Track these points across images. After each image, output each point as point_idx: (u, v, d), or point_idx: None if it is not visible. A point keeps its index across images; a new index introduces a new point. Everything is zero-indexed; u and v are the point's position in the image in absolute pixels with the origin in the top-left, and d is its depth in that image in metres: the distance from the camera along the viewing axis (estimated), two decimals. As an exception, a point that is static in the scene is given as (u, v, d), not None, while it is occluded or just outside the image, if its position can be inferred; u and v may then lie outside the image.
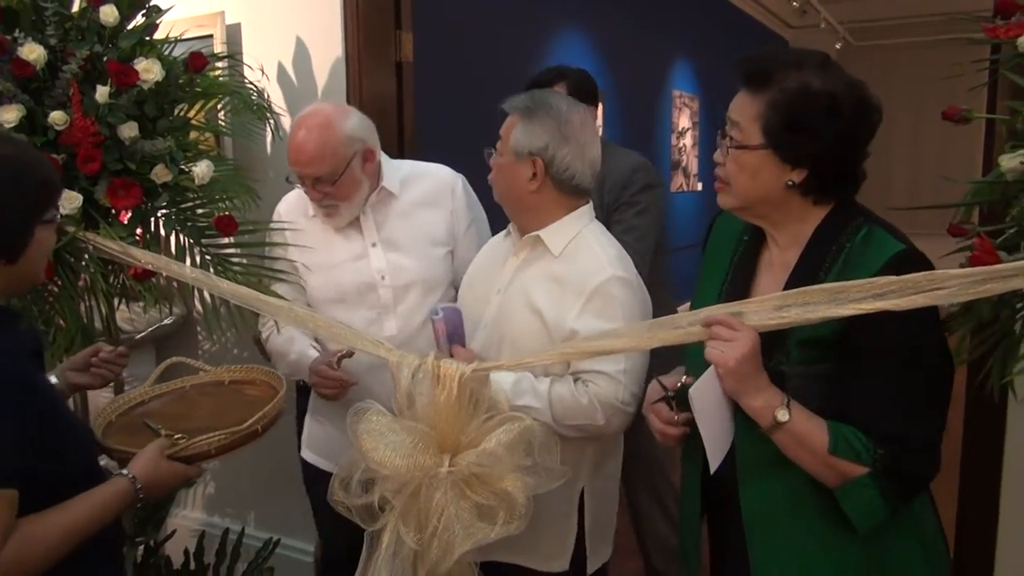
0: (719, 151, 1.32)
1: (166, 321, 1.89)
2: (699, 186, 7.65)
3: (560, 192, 1.72)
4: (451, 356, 1.64)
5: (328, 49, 2.62)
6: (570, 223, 1.73)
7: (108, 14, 1.90)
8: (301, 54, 2.67)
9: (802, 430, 1.19)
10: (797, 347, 1.22)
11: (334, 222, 1.99)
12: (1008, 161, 1.18)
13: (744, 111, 1.27)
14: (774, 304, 1.20)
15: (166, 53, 2.11)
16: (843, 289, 1.14)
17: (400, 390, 1.50)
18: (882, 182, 9.42)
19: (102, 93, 1.86)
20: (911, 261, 1.17)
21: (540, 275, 1.72)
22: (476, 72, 4.37)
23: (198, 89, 2.12)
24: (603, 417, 1.63)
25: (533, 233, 1.73)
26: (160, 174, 1.98)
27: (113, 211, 1.93)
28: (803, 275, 1.27)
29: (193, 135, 2.19)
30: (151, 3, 2.08)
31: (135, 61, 1.94)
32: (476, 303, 1.83)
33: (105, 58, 1.93)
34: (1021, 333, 1.12)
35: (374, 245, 2.01)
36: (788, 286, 1.27)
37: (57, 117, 1.82)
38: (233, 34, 2.74)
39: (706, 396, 1.23)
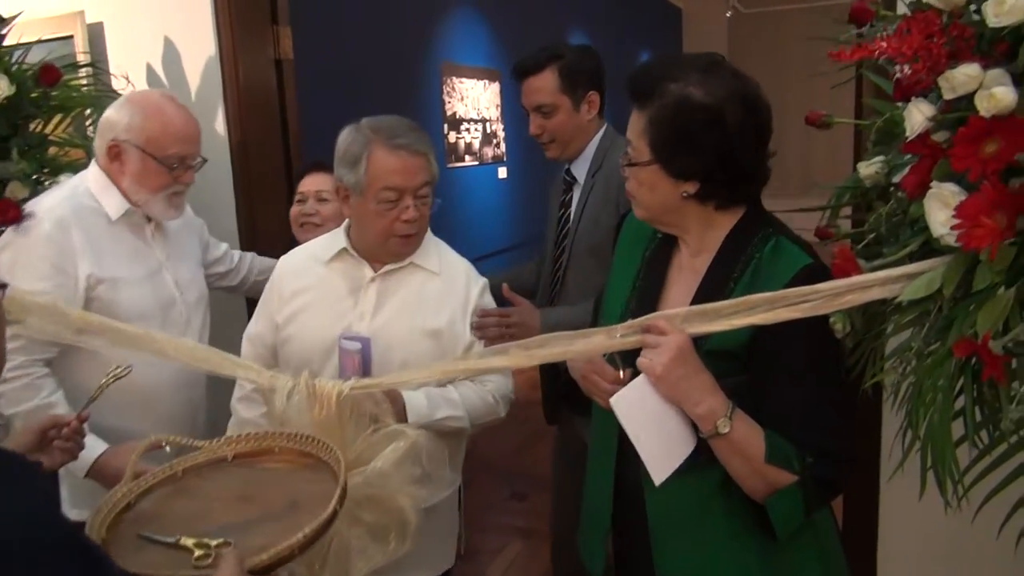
0: (626, 167, 1.32)
1: (121, 372, 1.57)
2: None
3: None
4: None
5: (200, 47, 2.50)
6: (430, 239, 1.76)
7: (-56, 28, 1.75)
8: (171, 54, 2.53)
9: (741, 440, 1.19)
10: (707, 357, 1.22)
11: (179, 212, 1.89)
12: (865, 168, 1.20)
13: (633, 127, 1.28)
14: (682, 316, 1.20)
15: (17, 62, 1.96)
16: (721, 308, 1.15)
17: (274, 415, 1.45)
18: (778, 147, 9.73)
19: (-57, 115, 1.72)
20: (815, 274, 1.18)
21: (419, 296, 1.70)
22: (363, 64, 4.25)
23: (54, 103, 1.97)
24: (503, 409, 1.75)
25: (407, 261, 1.70)
26: (15, 191, 1.85)
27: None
28: (713, 284, 1.28)
29: (55, 150, 2.04)
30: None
31: (-20, 77, 1.80)
32: (329, 336, 1.68)
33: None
34: (887, 334, 1.15)
35: (167, 258, 1.94)
36: (699, 293, 1.29)
37: None
38: (96, 34, 2.57)
39: (638, 405, 1.19)
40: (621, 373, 1.26)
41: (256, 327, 1.80)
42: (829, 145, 9.32)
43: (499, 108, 5.73)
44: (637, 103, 1.28)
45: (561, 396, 1.76)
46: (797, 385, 1.21)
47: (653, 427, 1.20)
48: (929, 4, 1.04)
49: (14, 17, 2.03)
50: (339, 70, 3.98)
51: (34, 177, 1.86)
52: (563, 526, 2.38)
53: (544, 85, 2.06)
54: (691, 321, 1.18)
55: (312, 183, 2.18)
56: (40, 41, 2.41)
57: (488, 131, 5.59)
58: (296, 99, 2.67)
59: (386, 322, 1.68)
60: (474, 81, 5.39)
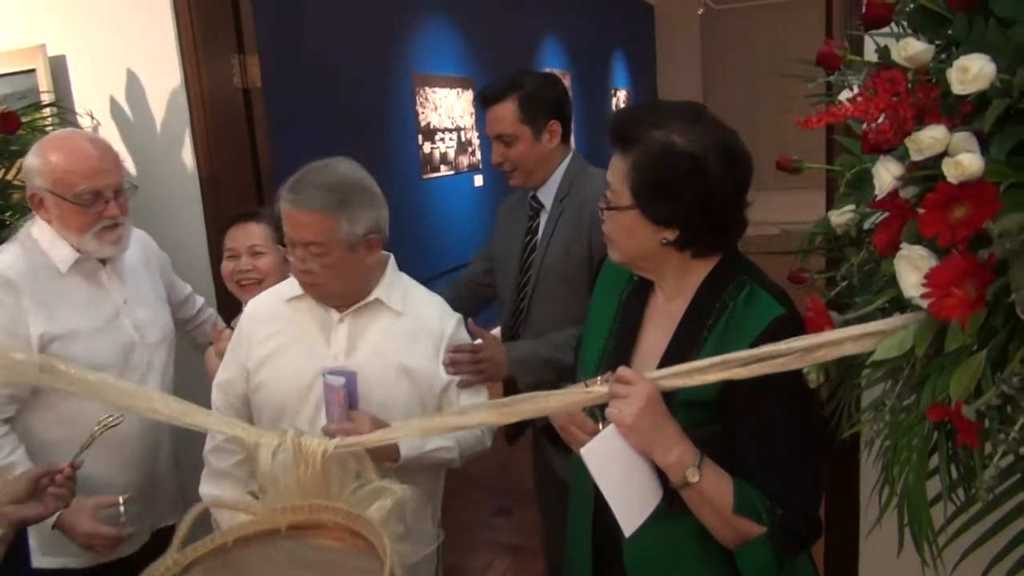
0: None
1: (112, 421, 1.57)
2: (577, 160, 7.71)
3: (379, 251, 1.70)
4: (349, 421, 1.58)
5: (164, 79, 2.46)
6: (393, 277, 1.74)
7: None
8: (135, 86, 2.49)
9: (710, 489, 1.19)
10: (681, 408, 1.22)
11: (119, 247, 1.86)
12: (837, 217, 1.20)
13: (614, 171, 1.28)
14: (658, 376, 1.20)
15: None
16: (698, 367, 1.15)
17: (261, 473, 1.43)
18: (752, 142, 9.77)
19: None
20: (789, 327, 1.18)
21: (390, 334, 1.69)
22: (332, 84, 4.20)
23: (15, 148, 1.93)
24: (489, 439, 1.77)
25: (371, 298, 1.69)
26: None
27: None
28: (687, 331, 1.29)
29: (19, 196, 2.01)
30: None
31: (-63, 128, 1.76)
32: (304, 379, 1.68)
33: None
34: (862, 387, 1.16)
35: (125, 302, 1.92)
36: (674, 340, 1.30)
37: None
38: (58, 67, 2.53)
39: (608, 456, 1.19)
40: (600, 425, 1.26)
41: (226, 374, 1.77)
42: (802, 139, 9.36)
43: (473, 116, 5.70)
44: (620, 147, 1.27)
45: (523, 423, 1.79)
46: (769, 436, 1.21)
47: (623, 477, 1.20)
48: (895, 62, 1.04)
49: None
50: (308, 93, 3.94)
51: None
52: (554, 551, 2.38)
53: (504, 115, 2.06)
54: (669, 379, 1.18)
55: (242, 237, 2.01)
56: (1, 75, 2.38)
57: (463, 139, 5.57)
58: (266, 128, 2.64)
59: (361, 362, 1.67)
60: (447, 90, 5.36)
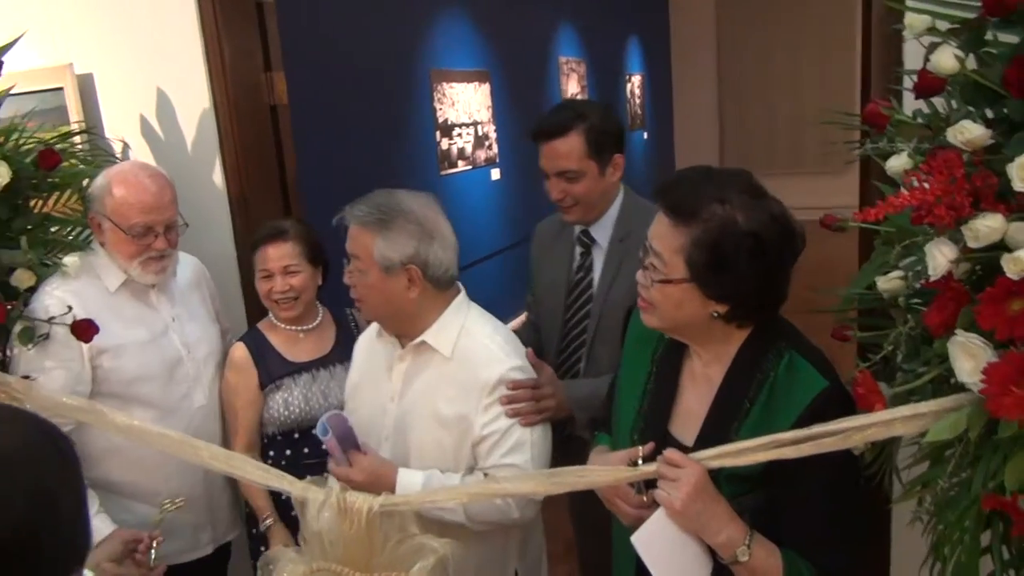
0: (642, 273, 1.30)
1: (172, 507, 1.75)
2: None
3: (437, 290, 1.69)
4: (350, 465, 1.62)
5: (194, 97, 2.46)
6: (451, 319, 1.70)
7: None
8: (164, 105, 2.49)
9: (760, 566, 1.20)
10: (726, 481, 1.24)
11: (162, 277, 1.97)
12: (885, 282, 1.20)
13: (666, 242, 1.25)
14: (704, 456, 1.21)
15: (15, 148, 1.93)
16: (747, 447, 1.16)
17: (308, 528, 1.46)
18: (767, 124, 9.70)
19: (-57, 212, 1.69)
20: (835, 401, 1.19)
21: (437, 380, 1.69)
22: (352, 89, 4.18)
23: (52, 180, 1.94)
24: (517, 511, 1.64)
25: (418, 340, 1.69)
26: (23, 279, 1.84)
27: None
28: (728, 400, 1.29)
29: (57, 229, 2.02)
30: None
31: (-22, 166, 1.77)
32: (371, 412, 1.78)
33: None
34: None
35: (173, 320, 2.03)
36: (714, 409, 1.30)
37: None
38: (86, 85, 2.53)
39: (658, 538, 1.21)
40: (644, 497, 1.28)
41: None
42: (817, 127, 9.27)
43: (490, 109, 5.67)
44: (675, 217, 1.24)
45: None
46: (815, 507, 1.22)
47: (673, 558, 1.22)
48: (949, 143, 1.04)
49: (4, 93, 1.99)
50: (328, 104, 3.92)
51: (40, 262, 1.84)
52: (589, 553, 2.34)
53: (570, 150, 1.91)
54: (718, 458, 1.19)
55: (275, 257, 2.05)
56: (27, 93, 2.38)
57: (480, 133, 5.55)
58: (292, 144, 2.64)
59: (408, 404, 1.73)
60: (464, 84, 5.33)
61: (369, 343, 1.87)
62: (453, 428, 1.66)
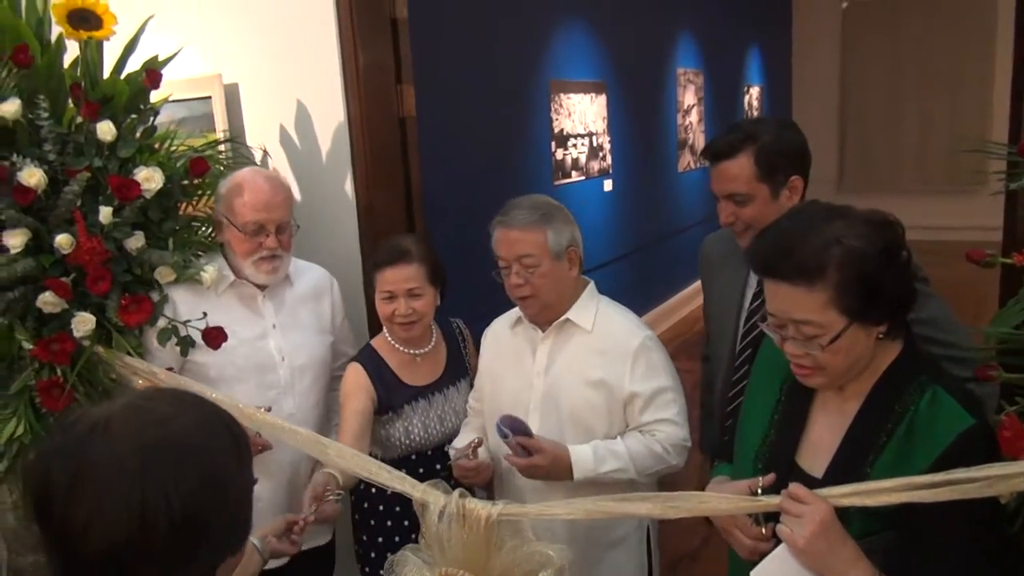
0: (792, 345, 1.26)
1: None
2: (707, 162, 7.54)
3: (579, 271, 1.95)
4: (529, 455, 1.79)
5: (330, 110, 2.57)
6: (588, 301, 1.95)
7: (106, 132, 1.86)
8: (302, 116, 2.62)
9: None
10: (856, 516, 1.20)
11: (276, 276, 2.05)
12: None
13: (809, 307, 1.21)
14: (837, 494, 1.18)
15: (167, 150, 2.07)
16: (882, 487, 1.12)
17: (429, 532, 1.50)
18: (891, 140, 9.29)
19: (106, 214, 1.83)
20: (980, 442, 1.15)
21: (582, 352, 1.90)
22: (474, 100, 4.27)
23: (197, 183, 2.08)
24: (676, 457, 1.89)
25: (563, 318, 1.92)
26: (164, 275, 1.97)
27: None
28: (864, 432, 1.26)
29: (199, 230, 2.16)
30: (148, 104, 2.03)
31: (136, 171, 1.91)
32: (516, 389, 1.98)
33: (107, 173, 1.89)
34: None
35: (274, 327, 2.09)
36: (847, 442, 1.27)
37: (63, 241, 1.80)
38: (232, 95, 2.69)
39: (779, 574, 1.19)
40: (763, 529, 1.25)
41: (477, 383, 2.14)
42: (948, 138, 8.85)
43: (605, 120, 5.67)
44: (804, 282, 1.21)
45: None
46: (950, 555, 1.17)
47: None
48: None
49: (163, 101, 2.14)
50: (451, 115, 4.02)
51: (184, 264, 1.96)
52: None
53: (738, 172, 1.81)
54: (848, 497, 1.15)
55: (400, 280, 2.04)
56: (178, 101, 2.55)
57: (595, 144, 5.55)
58: (418, 155, 2.72)
59: (556, 376, 1.92)
60: (581, 95, 5.35)
61: (498, 335, 2.09)
62: (601, 390, 1.87)
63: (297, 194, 2.60)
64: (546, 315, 1.93)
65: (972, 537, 1.16)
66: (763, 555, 1.29)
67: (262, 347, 2.06)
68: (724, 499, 1.26)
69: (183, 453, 0.89)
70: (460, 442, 2.07)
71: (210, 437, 0.93)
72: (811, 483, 1.26)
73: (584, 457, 1.82)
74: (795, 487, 1.20)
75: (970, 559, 1.16)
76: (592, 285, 2.00)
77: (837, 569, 1.16)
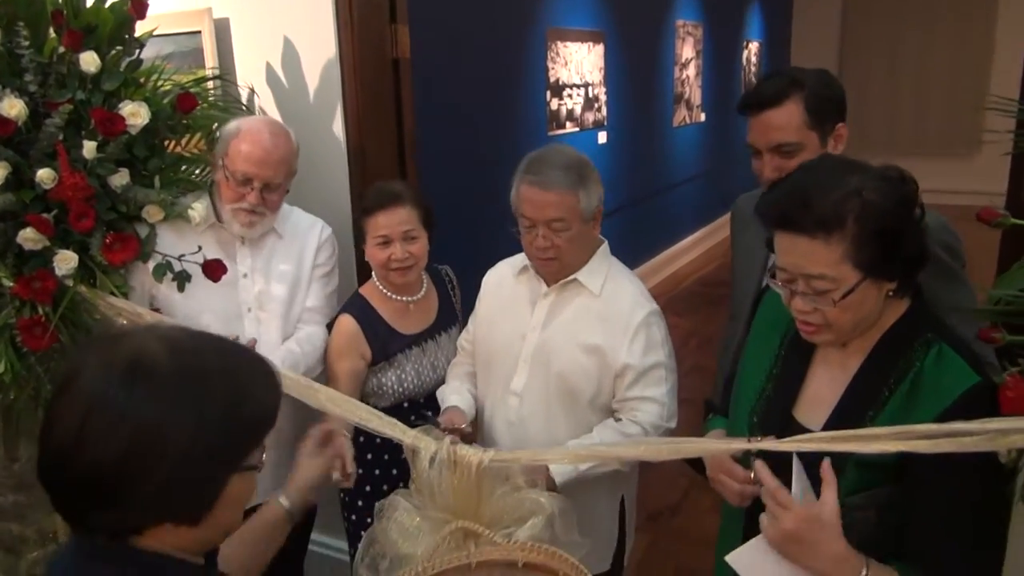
0: (800, 301, 1.22)
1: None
2: (702, 117, 7.47)
3: (595, 229, 1.85)
4: None
5: (320, 47, 2.49)
6: (599, 263, 1.87)
7: (89, 62, 1.79)
8: (291, 54, 2.54)
9: None
10: (855, 468, 1.19)
11: (250, 231, 2.01)
12: (1045, 286, 1.13)
13: (822, 259, 1.18)
14: (830, 437, 1.17)
15: (153, 84, 2.01)
16: (879, 434, 1.11)
17: (419, 477, 1.50)
18: (890, 102, 9.21)
19: (89, 149, 1.78)
20: (984, 399, 1.13)
21: (583, 313, 1.83)
22: (470, 45, 4.18)
23: (187, 122, 2.02)
24: (670, 420, 1.80)
25: (570, 278, 1.84)
26: (152, 214, 1.93)
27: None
28: (866, 386, 1.24)
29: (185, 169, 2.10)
30: (133, 36, 1.95)
31: (121, 105, 1.85)
32: (509, 340, 1.91)
33: (90, 106, 1.83)
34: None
35: (245, 276, 2.05)
36: (848, 395, 1.26)
37: (45, 176, 1.75)
38: (222, 30, 2.60)
39: (759, 560, 1.18)
40: (752, 474, 1.25)
41: (469, 326, 2.08)
42: (947, 100, 8.78)
43: (602, 71, 5.57)
44: (822, 233, 1.17)
45: None
46: (951, 514, 1.16)
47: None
48: None
49: (149, 34, 2.06)
50: (446, 59, 3.93)
51: (171, 202, 1.92)
52: None
53: (788, 121, 1.70)
54: (846, 442, 1.14)
55: (396, 223, 2.00)
56: (167, 35, 2.47)
57: (590, 95, 5.47)
58: (412, 98, 2.65)
59: (552, 335, 1.85)
60: (578, 44, 5.25)
61: (502, 280, 2.00)
62: (594, 356, 1.80)
63: (286, 136, 2.54)
64: (567, 272, 1.85)
65: (969, 494, 1.15)
66: (748, 512, 1.29)
67: (231, 295, 2.03)
68: (715, 443, 1.25)
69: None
70: (448, 394, 2.00)
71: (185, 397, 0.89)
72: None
73: (563, 469, 1.70)
74: (776, 490, 1.17)
75: (966, 516, 1.16)
76: (605, 245, 1.91)
77: (816, 567, 1.15)
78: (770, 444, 1.22)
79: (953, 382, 1.17)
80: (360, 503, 2.15)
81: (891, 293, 1.21)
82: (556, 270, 1.84)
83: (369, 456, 2.12)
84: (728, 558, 1.20)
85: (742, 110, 1.79)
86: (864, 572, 1.14)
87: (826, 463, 1.14)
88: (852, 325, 1.23)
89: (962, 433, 1.07)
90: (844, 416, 1.24)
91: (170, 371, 0.88)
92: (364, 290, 2.16)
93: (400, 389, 2.09)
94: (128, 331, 0.95)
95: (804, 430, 1.28)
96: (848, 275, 1.18)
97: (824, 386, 1.31)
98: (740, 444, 1.25)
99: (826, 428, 1.25)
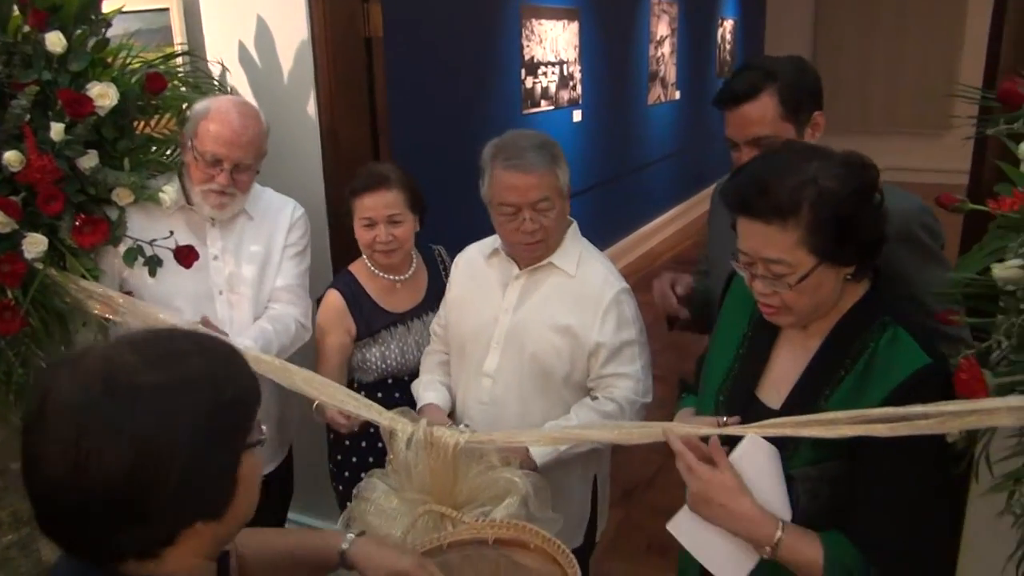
0: (761, 284, 1.26)
1: None
2: (676, 95, 7.48)
3: (568, 206, 1.86)
4: None
5: (292, 25, 2.48)
6: (572, 244, 1.89)
7: (55, 43, 1.76)
8: (262, 31, 2.51)
9: (793, 559, 1.20)
10: (808, 446, 1.23)
11: (221, 213, 1.99)
12: (1003, 270, 1.15)
13: (778, 244, 1.21)
14: (794, 422, 1.21)
15: (123, 69, 1.98)
16: (837, 418, 1.14)
17: (396, 459, 1.52)
18: (862, 80, 9.27)
19: (57, 131, 1.76)
20: (934, 380, 1.17)
21: (556, 294, 1.84)
22: (443, 20, 4.14)
23: (155, 102, 1.99)
24: (629, 416, 1.80)
25: (545, 261, 1.85)
26: (122, 196, 1.91)
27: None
28: (823, 367, 1.28)
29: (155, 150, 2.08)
30: (100, 15, 1.92)
31: (89, 86, 1.82)
32: (481, 323, 1.91)
33: (57, 87, 1.80)
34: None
35: (215, 258, 2.04)
36: (806, 375, 1.29)
37: (12, 158, 1.73)
38: (191, 8, 2.57)
39: (696, 526, 1.24)
40: (725, 419, 1.31)
41: (441, 311, 2.07)
42: (919, 80, 8.88)
43: (577, 49, 5.56)
44: (777, 219, 1.20)
45: None
46: (898, 487, 1.20)
47: (713, 543, 1.25)
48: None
49: (116, 11, 2.03)
50: (420, 38, 3.89)
51: (141, 184, 1.90)
52: None
53: (762, 114, 1.67)
54: (807, 427, 1.18)
55: (381, 206, 2.03)
56: (135, 11, 2.42)
57: (565, 73, 5.46)
58: (384, 78, 2.64)
59: (524, 316, 1.86)
60: (553, 22, 5.23)
61: (472, 263, 2.00)
62: (567, 336, 1.81)
63: (258, 115, 2.52)
64: (544, 255, 1.85)
65: (919, 472, 1.19)
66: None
67: (202, 277, 2.02)
68: (681, 426, 1.29)
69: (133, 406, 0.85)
70: (423, 391, 2.00)
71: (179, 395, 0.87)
72: (769, 415, 1.29)
73: (543, 456, 1.72)
74: (715, 451, 1.24)
75: (916, 492, 1.20)
76: (575, 225, 1.92)
77: (730, 527, 1.23)
78: (736, 429, 1.26)
79: (904, 363, 1.20)
80: (347, 474, 2.18)
81: (849, 277, 1.24)
82: (541, 253, 1.84)
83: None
84: (668, 526, 1.27)
85: (718, 105, 1.77)
86: (779, 534, 1.19)
87: (714, 439, 1.23)
88: (811, 308, 1.26)
89: (917, 416, 1.11)
90: (801, 396, 1.28)
91: (147, 373, 0.86)
92: (353, 267, 2.19)
93: (383, 365, 2.10)
94: (85, 349, 0.90)
95: (766, 408, 1.32)
96: (804, 260, 1.21)
97: (787, 366, 1.34)
98: (709, 428, 1.29)
99: (784, 407, 1.29)
